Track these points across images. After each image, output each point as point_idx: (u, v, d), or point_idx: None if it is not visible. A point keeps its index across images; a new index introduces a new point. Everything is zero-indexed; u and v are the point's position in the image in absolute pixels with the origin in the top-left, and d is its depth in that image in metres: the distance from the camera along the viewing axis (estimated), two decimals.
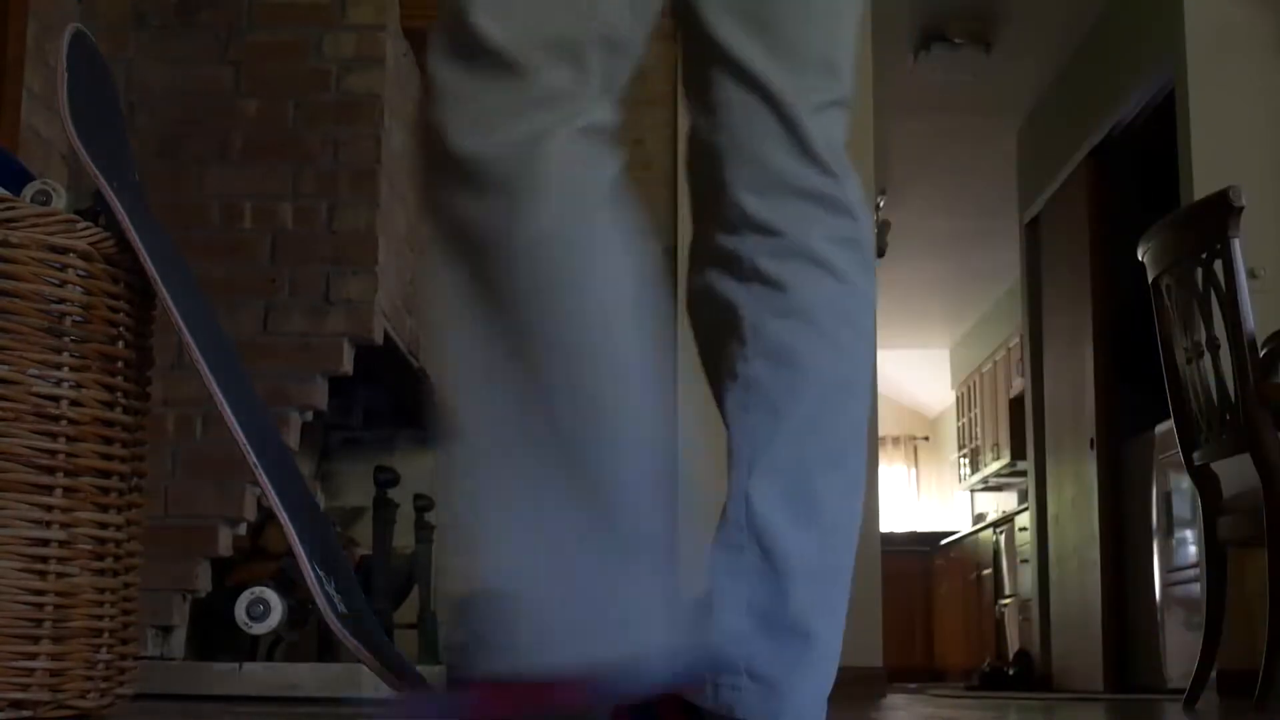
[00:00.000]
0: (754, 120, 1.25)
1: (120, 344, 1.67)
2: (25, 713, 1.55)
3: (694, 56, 1.29)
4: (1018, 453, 9.00)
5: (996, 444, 10.00)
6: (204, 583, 3.10)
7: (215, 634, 3.63)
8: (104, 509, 1.64)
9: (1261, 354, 3.11)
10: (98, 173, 1.66)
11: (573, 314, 1.06)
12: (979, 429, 10.63)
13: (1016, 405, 8.83)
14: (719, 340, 1.31)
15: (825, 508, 1.24)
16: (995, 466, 10.07)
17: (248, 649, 3.91)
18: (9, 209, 1.57)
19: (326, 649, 3.91)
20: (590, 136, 1.07)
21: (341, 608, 1.65)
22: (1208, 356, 3.15)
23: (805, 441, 1.25)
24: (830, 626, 1.24)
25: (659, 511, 1.10)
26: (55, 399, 1.59)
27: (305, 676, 2.94)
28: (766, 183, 1.25)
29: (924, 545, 11.32)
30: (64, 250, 1.60)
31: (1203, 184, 4.65)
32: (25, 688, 1.54)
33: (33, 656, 1.55)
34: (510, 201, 1.04)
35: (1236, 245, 3.01)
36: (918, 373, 11.87)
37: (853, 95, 1.29)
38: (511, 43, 1.04)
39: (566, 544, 1.04)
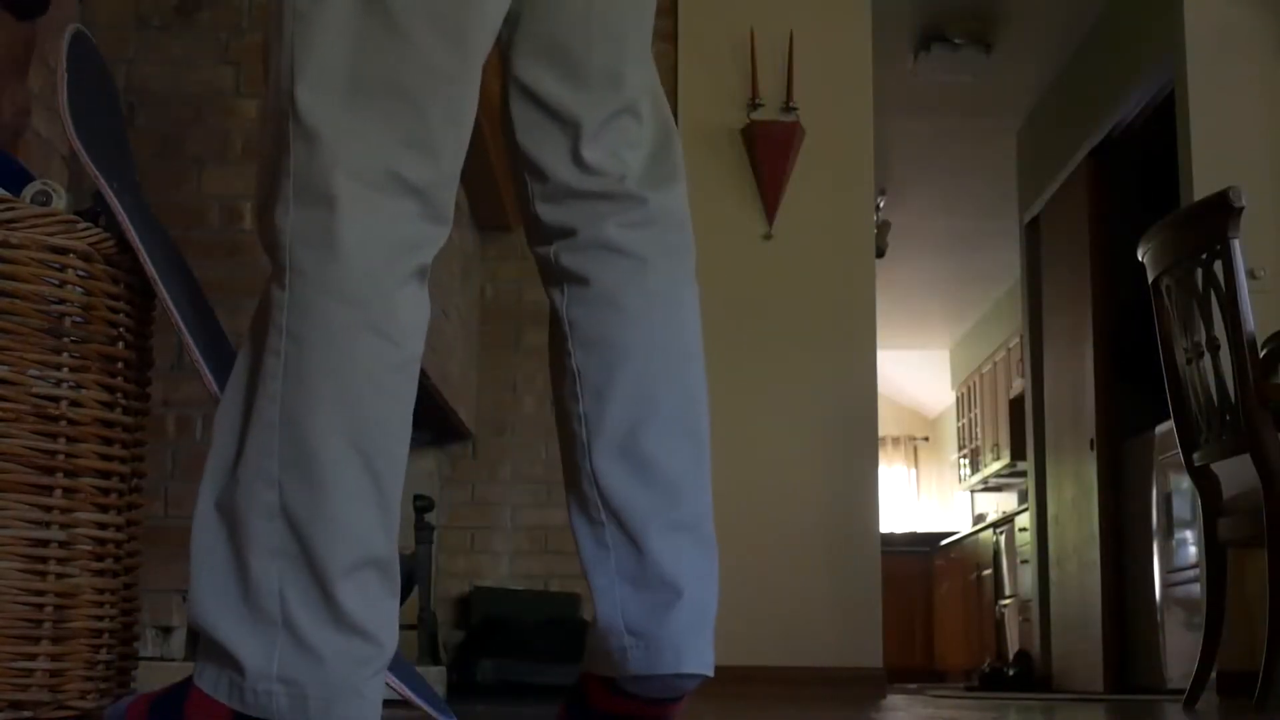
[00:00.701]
0: (544, 139, 1.46)
1: (120, 344, 1.67)
2: (25, 713, 1.55)
3: (507, 97, 1.48)
4: (1018, 453, 9.00)
5: (996, 444, 10.00)
6: None
7: None
8: (104, 509, 1.64)
9: (1261, 354, 3.11)
10: (98, 173, 1.66)
11: None
12: (979, 429, 10.63)
13: (1016, 405, 8.84)
14: (553, 344, 1.53)
15: (665, 467, 1.40)
16: (995, 467, 10.08)
17: None
18: (9, 209, 1.57)
19: None
20: None
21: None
22: (1208, 357, 3.16)
23: (634, 413, 1.41)
24: (697, 579, 1.40)
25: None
26: (55, 399, 1.59)
27: None
28: (555, 191, 1.46)
29: (924, 546, 11.32)
30: (64, 251, 1.60)
31: (1203, 184, 4.65)
32: (25, 688, 1.54)
33: (32, 657, 1.55)
34: None
35: (1236, 245, 3.01)
36: (918, 373, 11.88)
37: (639, 94, 1.48)
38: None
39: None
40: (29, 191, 1.67)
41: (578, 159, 1.46)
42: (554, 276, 1.50)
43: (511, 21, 1.43)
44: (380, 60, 1.27)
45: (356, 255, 1.26)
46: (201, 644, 1.30)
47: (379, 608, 1.28)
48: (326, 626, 1.24)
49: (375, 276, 1.27)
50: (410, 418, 1.34)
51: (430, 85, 1.30)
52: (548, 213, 1.48)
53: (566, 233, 1.47)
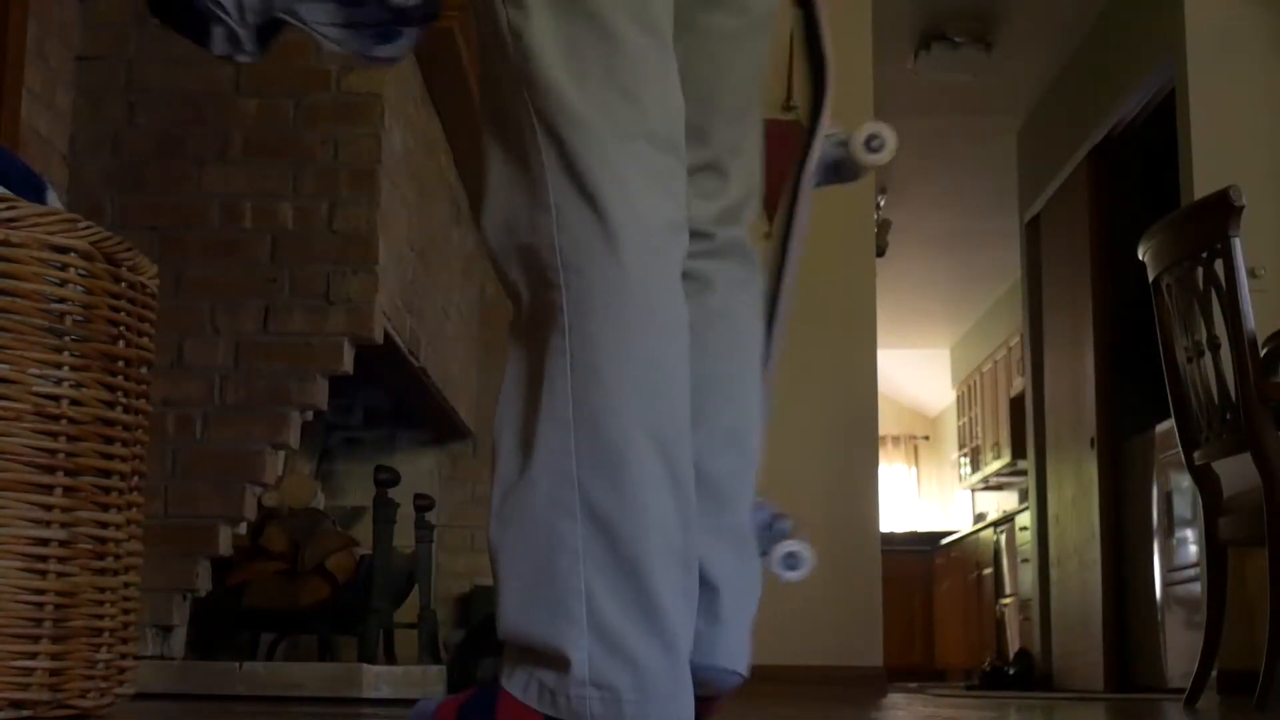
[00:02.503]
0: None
1: (121, 343, 1.67)
2: (25, 712, 1.55)
3: None
4: (1018, 452, 9.00)
5: (997, 443, 10.00)
6: (204, 582, 3.10)
7: (215, 633, 3.63)
8: (104, 508, 1.64)
9: (1262, 353, 3.11)
10: None
11: None
12: (979, 428, 10.63)
13: (1017, 405, 8.84)
14: None
15: (711, 476, 1.42)
16: (995, 466, 10.08)
17: (248, 649, 3.91)
18: (9, 208, 1.57)
19: (327, 649, 3.91)
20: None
21: None
22: (1208, 356, 3.15)
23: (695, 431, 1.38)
24: (735, 581, 1.48)
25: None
26: (56, 398, 1.59)
27: (305, 676, 2.94)
28: None
29: (924, 545, 11.32)
30: (65, 250, 1.60)
31: (1203, 183, 4.65)
32: (25, 687, 1.54)
33: (33, 656, 1.55)
34: None
35: (1237, 245, 3.01)
36: (918, 372, 11.88)
37: (725, 152, 1.56)
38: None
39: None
40: (50, 200, 1.66)
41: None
42: None
43: None
44: (598, 61, 1.32)
45: (631, 248, 1.28)
46: (508, 649, 1.29)
47: (687, 605, 1.28)
48: (638, 627, 1.23)
49: (652, 266, 1.30)
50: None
51: (644, 77, 1.35)
52: None
53: None
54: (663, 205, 1.32)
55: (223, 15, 1.55)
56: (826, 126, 1.75)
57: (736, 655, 1.45)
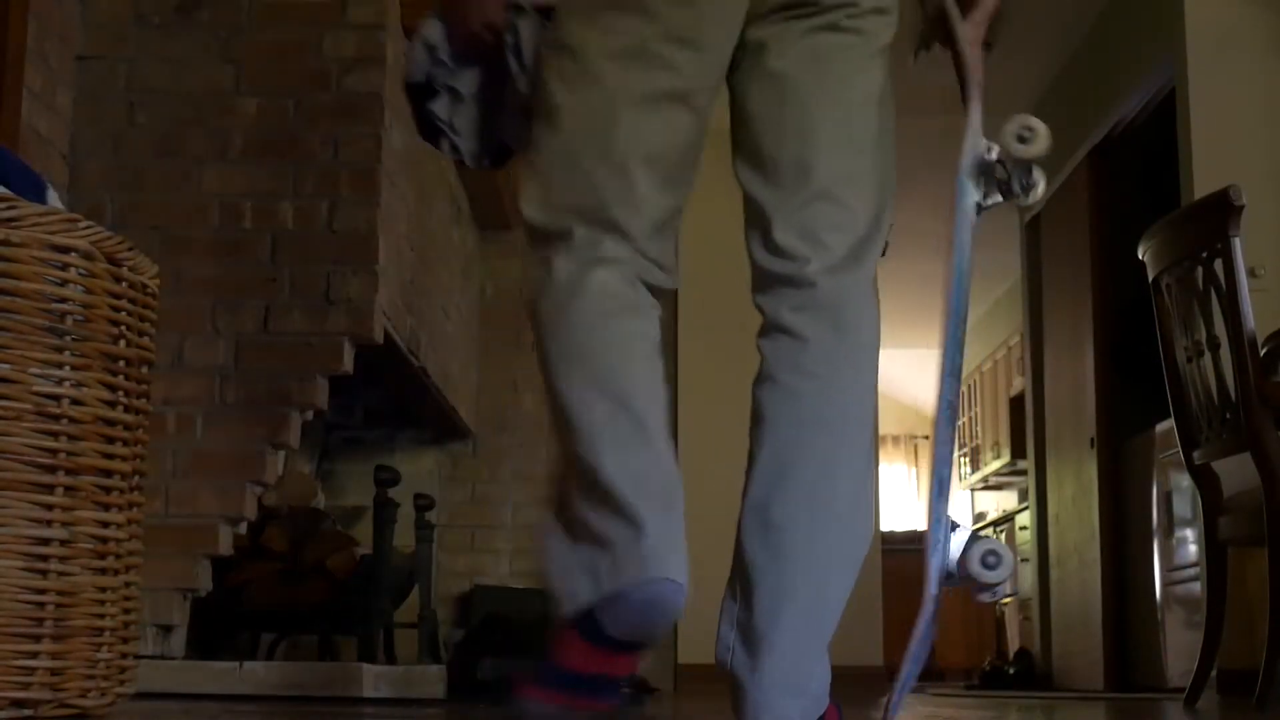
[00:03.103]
0: (750, 230, 1.65)
1: (121, 343, 1.67)
2: (26, 711, 1.55)
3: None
4: (1018, 452, 9.00)
5: (997, 443, 10.00)
6: (204, 582, 3.10)
7: (215, 633, 3.63)
8: (105, 508, 1.65)
9: (1262, 353, 3.11)
10: None
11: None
12: (979, 428, 10.63)
13: (1016, 404, 8.84)
14: None
15: (787, 535, 1.55)
16: (995, 465, 10.08)
17: (248, 649, 3.91)
18: (10, 208, 1.57)
19: (327, 649, 3.91)
20: (608, 266, 1.57)
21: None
22: (1208, 355, 3.15)
23: (770, 483, 1.57)
24: (790, 641, 1.54)
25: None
26: (56, 398, 1.59)
27: (305, 676, 2.94)
28: (757, 277, 1.63)
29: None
30: (65, 249, 1.60)
31: (1203, 183, 4.65)
32: (26, 686, 1.55)
33: (34, 655, 1.55)
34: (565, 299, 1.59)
35: (1237, 244, 3.01)
36: (918, 371, 11.86)
37: (836, 182, 1.63)
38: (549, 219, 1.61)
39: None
40: (50, 199, 1.67)
41: (769, 244, 1.62)
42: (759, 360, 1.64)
43: (732, 139, 1.66)
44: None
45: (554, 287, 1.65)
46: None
47: (641, 489, 1.51)
48: (600, 513, 1.48)
49: (573, 297, 1.63)
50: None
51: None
52: (757, 299, 1.64)
53: (763, 318, 1.62)
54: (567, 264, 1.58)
55: (443, 127, 1.80)
56: (976, 125, 1.86)
57: (780, 713, 1.53)
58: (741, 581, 1.56)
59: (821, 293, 1.60)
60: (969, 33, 1.94)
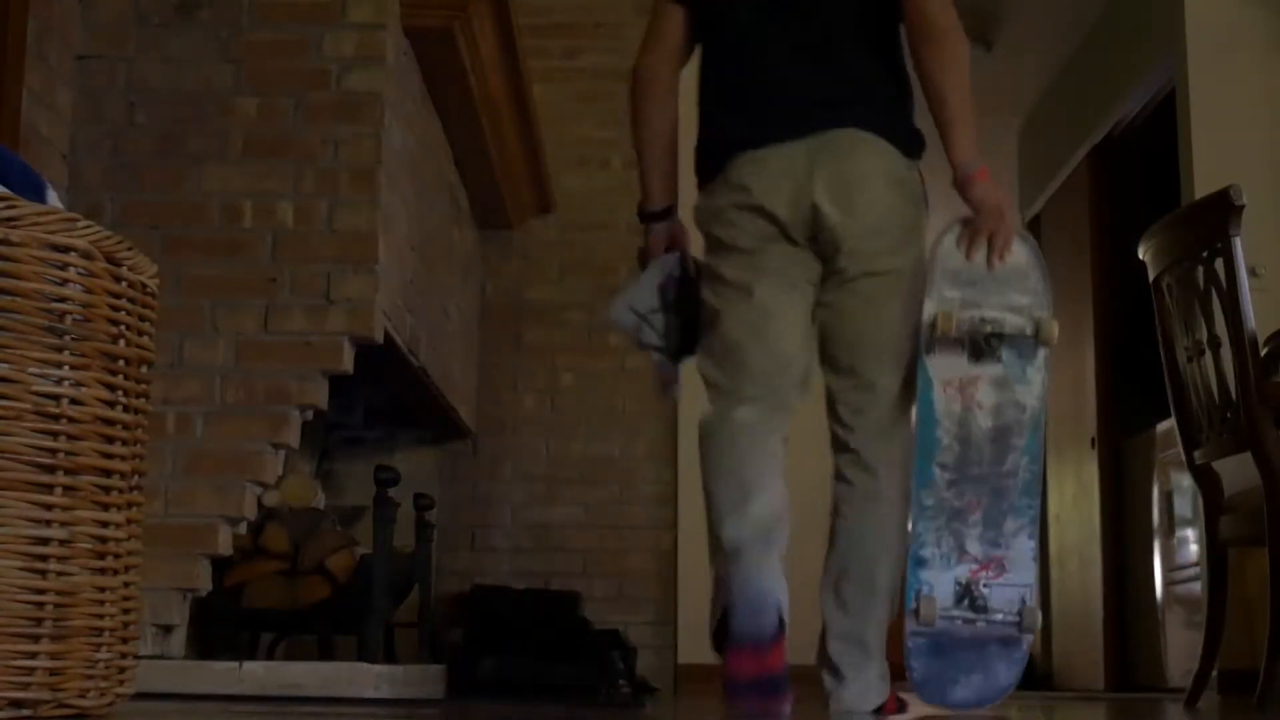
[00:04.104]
0: (827, 404, 2.73)
1: (121, 343, 1.67)
2: (25, 711, 1.55)
3: None
4: None
5: None
6: (204, 582, 3.10)
7: (215, 633, 3.63)
8: (104, 508, 1.64)
9: (1262, 353, 3.11)
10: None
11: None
12: None
13: None
14: None
15: (848, 603, 2.63)
16: None
17: (248, 649, 3.91)
18: (9, 208, 1.57)
19: (327, 649, 3.91)
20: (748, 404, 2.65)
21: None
22: (1208, 355, 3.15)
23: (841, 567, 2.64)
24: (854, 673, 2.62)
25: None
26: (56, 398, 1.59)
27: (305, 676, 2.94)
28: (833, 441, 2.71)
29: None
30: (65, 249, 1.60)
31: (1203, 183, 4.65)
32: (25, 686, 1.54)
33: (33, 655, 1.55)
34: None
35: (1237, 244, 3.01)
36: None
37: (876, 378, 2.64)
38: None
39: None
40: (50, 199, 1.66)
41: (835, 415, 2.68)
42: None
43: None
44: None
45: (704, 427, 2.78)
46: None
47: (741, 535, 2.60)
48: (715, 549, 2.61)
49: (715, 438, 2.72)
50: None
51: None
52: (834, 457, 2.72)
53: (835, 467, 2.72)
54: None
55: (649, 345, 2.74)
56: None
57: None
58: (825, 628, 2.66)
59: (862, 457, 2.64)
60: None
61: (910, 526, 2.58)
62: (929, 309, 2.55)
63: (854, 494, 2.62)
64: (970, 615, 2.56)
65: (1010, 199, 2.73)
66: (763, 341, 2.58)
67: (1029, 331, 2.60)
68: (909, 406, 2.61)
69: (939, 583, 2.56)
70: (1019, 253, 2.64)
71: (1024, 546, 2.57)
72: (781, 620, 2.51)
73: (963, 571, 2.57)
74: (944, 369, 2.56)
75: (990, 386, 2.59)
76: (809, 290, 2.60)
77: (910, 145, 2.66)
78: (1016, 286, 2.63)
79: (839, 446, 2.66)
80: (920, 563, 2.57)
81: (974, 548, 2.57)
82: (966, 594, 2.56)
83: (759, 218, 2.55)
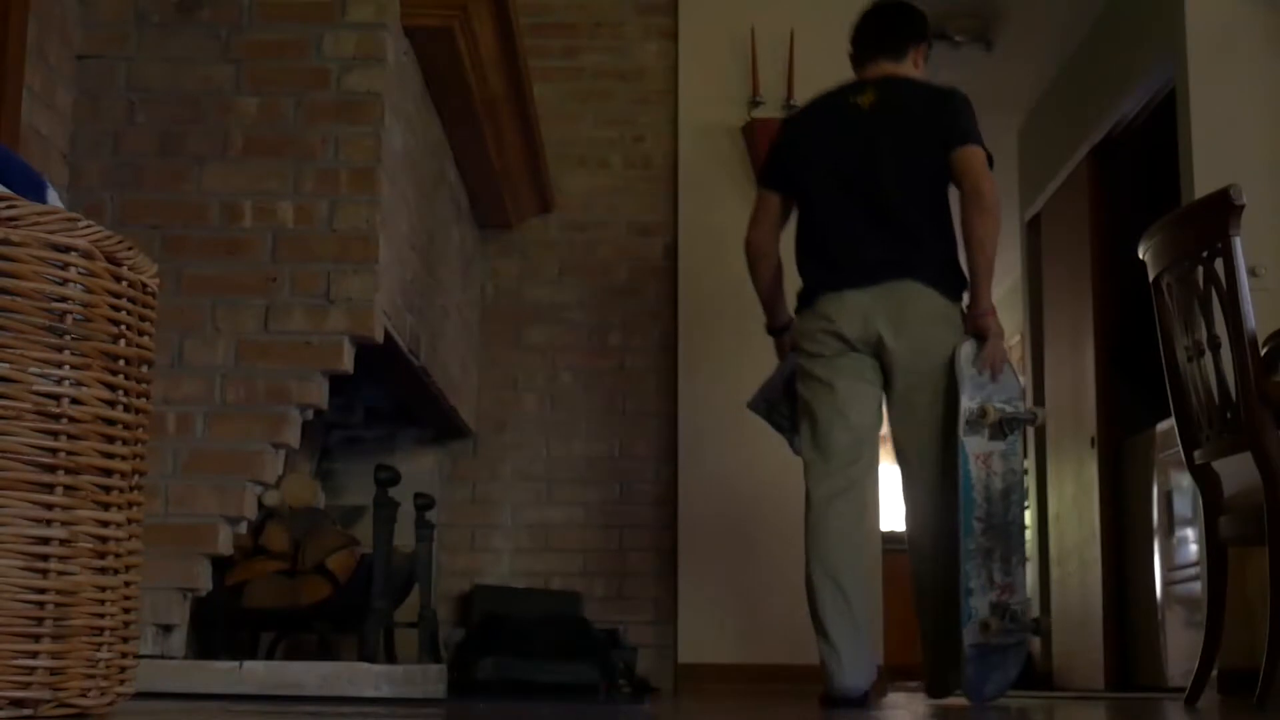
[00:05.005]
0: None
1: (121, 342, 1.67)
2: (25, 711, 1.55)
3: None
4: None
5: None
6: (204, 581, 3.10)
7: (215, 633, 3.63)
8: (105, 507, 1.64)
9: (1262, 352, 3.11)
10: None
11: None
12: None
13: None
14: None
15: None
16: None
17: (248, 648, 3.91)
18: (10, 207, 1.57)
19: (327, 648, 3.91)
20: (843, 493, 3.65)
21: None
22: (1208, 355, 3.15)
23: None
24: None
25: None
26: (56, 397, 1.59)
27: (305, 676, 2.94)
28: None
29: None
30: (65, 249, 1.60)
31: (1203, 182, 4.65)
32: (26, 686, 1.54)
33: (33, 655, 1.55)
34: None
35: (1237, 243, 3.01)
36: None
37: (913, 453, 3.68)
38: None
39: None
40: (50, 199, 1.66)
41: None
42: None
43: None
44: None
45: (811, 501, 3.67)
46: None
47: (838, 622, 3.50)
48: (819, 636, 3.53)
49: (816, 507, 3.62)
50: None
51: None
52: None
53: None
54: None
55: (777, 425, 3.86)
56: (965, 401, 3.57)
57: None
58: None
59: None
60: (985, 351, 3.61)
61: (961, 565, 3.44)
62: (973, 405, 3.50)
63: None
64: (1010, 626, 3.46)
65: (1002, 329, 3.67)
66: (845, 419, 3.56)
67: (1027, 417, 3.58)
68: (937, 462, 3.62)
69: (981, 606, 3.44)
70: (1005, 366, 3.61)
71: (1021, 572, 3.59)
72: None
73: (994, 595, 3.46)
74: (974, 446, 3.50)
75: (999, 457, 3.54)
76: (876, 385, 3.60)
77: (953, 290, 3.59)
78: (1008, 388, 3.60)
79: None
80: (969, 593, 3.43)
81: (998, 577, 3.47)
82: (1003, 611, 3.44)
83: (837, 339, 3.56)
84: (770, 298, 3.82)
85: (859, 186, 3.58)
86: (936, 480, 3.54)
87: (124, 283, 1.68)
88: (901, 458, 3.64)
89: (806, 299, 3.64)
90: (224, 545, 3.13)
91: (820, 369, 3.58)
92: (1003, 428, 3.50)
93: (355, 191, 3.28)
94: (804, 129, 3.76)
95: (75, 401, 1.60)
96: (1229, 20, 4.98)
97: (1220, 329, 3.08)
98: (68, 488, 1.59)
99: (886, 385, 3.59)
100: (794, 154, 3.73)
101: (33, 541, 1.56)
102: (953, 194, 3.62)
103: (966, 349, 3.53)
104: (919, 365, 3.53)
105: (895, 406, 3.60)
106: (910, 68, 3.74)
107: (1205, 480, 3.31)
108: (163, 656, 3.01)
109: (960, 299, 3.60)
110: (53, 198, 1.71)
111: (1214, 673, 3.42)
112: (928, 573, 3.57)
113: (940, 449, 3.53)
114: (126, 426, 1.68)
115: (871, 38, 3.76)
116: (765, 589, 4.90)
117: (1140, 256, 3.45)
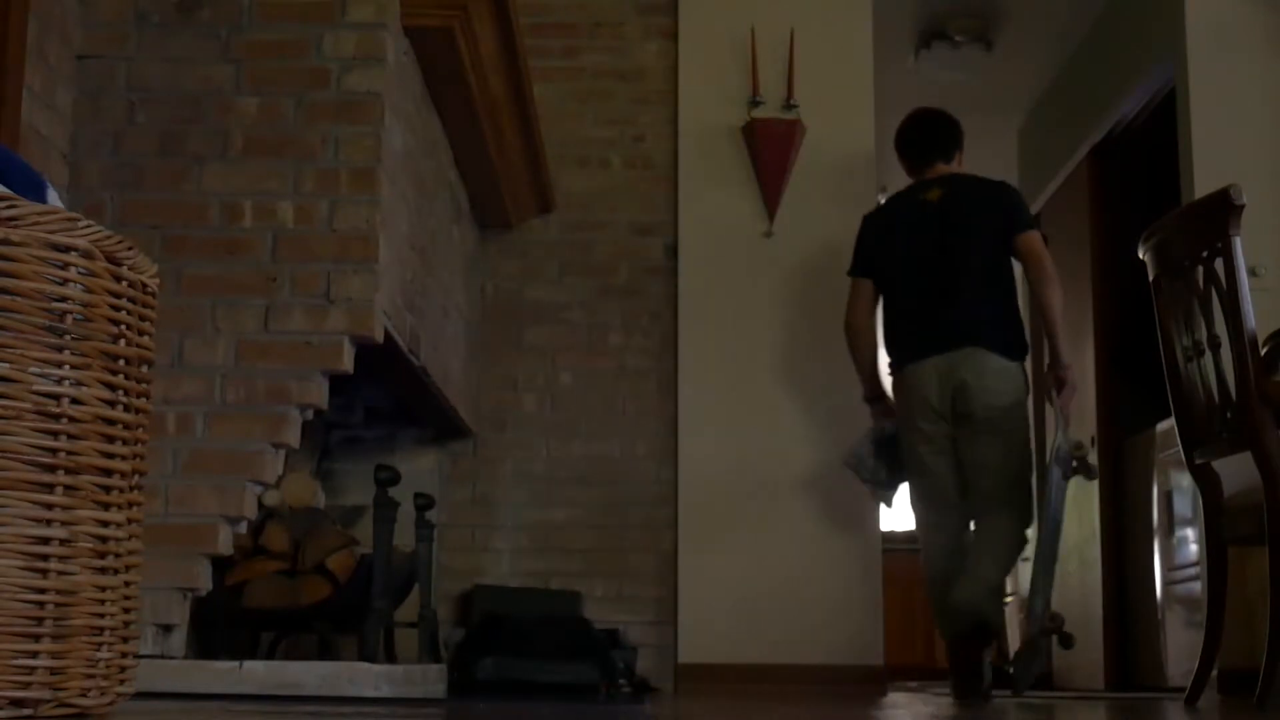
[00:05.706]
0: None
1: (122, 342, 1.67)
2: (26, 711, 1.55)
3: None
4: None
5: None
6: (204, 581, 3.10)
7: (215, 633, 3.63)
8: (105, 507, 1.64)
9: (1262, 352, 3.10)
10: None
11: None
12: None
13: None
14: None
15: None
16: None
17: (248, 648, 3.91)
18: (10, 207, 1.57)
19: (327, 648, 3.91)
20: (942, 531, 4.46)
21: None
22: (1209, 354, 3.15)
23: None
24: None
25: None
26: (56, 397, 1.59)
27: (305, 675, 2.94)
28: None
29: None
30: (65, 249, 1.60)
31: (1203, 182, 4.65)
32: (26, 686, 1.54)
33: (33, 655, 1.55)
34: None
35: (1237, 243, 3.01)
36: None
37: (985, 495, 4.38)
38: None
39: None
40: (50, 198, 1.66)
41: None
42: None
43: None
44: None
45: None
46: None
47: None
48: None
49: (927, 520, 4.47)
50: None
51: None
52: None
53: None
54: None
55: (870, 483, 4.57)
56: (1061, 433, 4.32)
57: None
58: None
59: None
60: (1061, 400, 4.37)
61: (1040, 575, 4.41)
62: (1068, 441, 4.33)
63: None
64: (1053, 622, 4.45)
65: (1076, 383, 4.47)
66: (937, 468, 4.28)
67: (1090, 459, 4.48)
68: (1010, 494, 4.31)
69: (1041, 605, 4.46)
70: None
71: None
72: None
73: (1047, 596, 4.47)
74: (1057, 478, 4.32)
75: (1061, 491, 4.40)
76: (951, 440, 4.27)
77: (1015, 353, 4.28)
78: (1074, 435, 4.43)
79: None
80: (1039, 596, 4.44)
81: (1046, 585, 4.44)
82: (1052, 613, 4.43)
83: (922, 401, 4.27)
84: (870, 370, 4.53)
85: (934, 269, 4.28)
86: (989, 508, 4.24)
87: (124, 283, 1.68)
88: (958, 488, 4.29)
89: (895, 368, 4.38)
90: (224, 545, 3.13)
91: (912, 428, 4.35)
92: (1079, 465, 4.29)
93: (355, 191, 3.28)
94: (884, 224, 4.49)
95: (75, 401, 1.60)
96: (1229, 20, 4.98)
97: (1220, 329, 3.08)
98: (68, 488, 1.59)
99: (959, 427, 4.25)
100: (879, 246, 4.46)
101: (33, 541, 1.56)
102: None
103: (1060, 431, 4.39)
104: (992, 403, 4.19)
105: (965, 444, 4.25)
106: (958, 166, 4.52)
107: (1205, 480, 3.31)
108: (163, 656, 3.01)
109: (1021, 359, 4.30)
110: (53, 198, 1.71)
111: (1214, 673, 3.42)
112: (951, 593, 4.19)
113: (998, 478, 4.23)
114: (126, 426, 1.68)
115: (925, 146, 4.51)
116: (765, 589, 4.90)
117: (1140, 256, 3.45)
